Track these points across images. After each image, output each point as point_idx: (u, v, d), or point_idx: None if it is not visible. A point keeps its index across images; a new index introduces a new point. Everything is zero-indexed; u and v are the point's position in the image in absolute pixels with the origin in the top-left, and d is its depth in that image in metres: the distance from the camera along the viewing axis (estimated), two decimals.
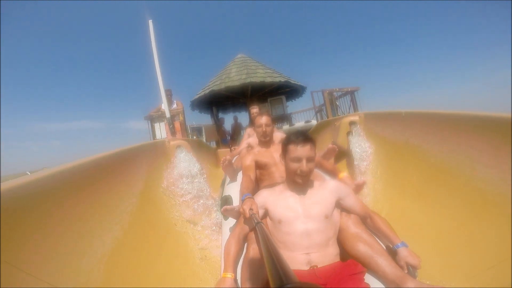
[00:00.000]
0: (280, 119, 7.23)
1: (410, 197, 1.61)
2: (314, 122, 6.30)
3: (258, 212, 1.14)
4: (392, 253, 1.10)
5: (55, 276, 0.80)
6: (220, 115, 8.87)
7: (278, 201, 1.22)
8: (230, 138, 7.44)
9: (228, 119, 8.88)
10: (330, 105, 4.47)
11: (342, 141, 2.40)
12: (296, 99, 8.41)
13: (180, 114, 4.20)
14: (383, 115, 2.05)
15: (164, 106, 3.73)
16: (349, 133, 2.34)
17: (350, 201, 1.25)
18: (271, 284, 0.43)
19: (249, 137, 2.76)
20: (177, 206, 1.81)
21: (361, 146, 2.13)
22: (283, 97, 7.32)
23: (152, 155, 1.88)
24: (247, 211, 1.11)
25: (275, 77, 6.75)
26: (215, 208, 1.96)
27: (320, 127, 3.52)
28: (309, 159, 1.17)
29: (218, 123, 7.69)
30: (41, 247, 0.81)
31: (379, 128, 2.05)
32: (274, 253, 0.53)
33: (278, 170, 1.66)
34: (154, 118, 4.41)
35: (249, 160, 1.72)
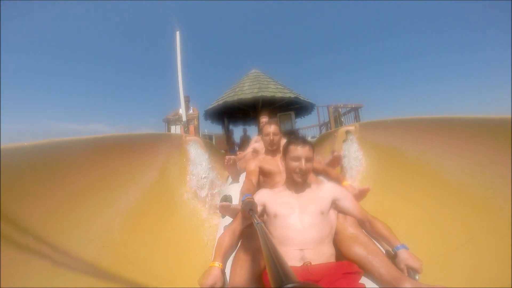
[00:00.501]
0: (288, 134, 7.54)
1: (392, 193, 1.83)
2: None
3: (258, 211, 1.16)
4: (392, 256, 1.09)
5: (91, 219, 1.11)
6: (230, 126, 9.29)
7: (275, 198, 1.28)
8: (238, 148, 7.78)
9: (237, 131, 9.29)
10: (334, 120, 4.76)
11: (338, 148, 2.67)
12: (305, 116, 8.76)
13: (196, 119, 4.59)
14: (374, 124, 2.32)
15: (182, 110, 4.12)
16: (344, 141, 2.60)
17: (347, 203, 1.29)
18: (271, 284, 0.43)
19: (256, 143, 2.84)
20: (188, 190, 2.10)
21: (354, 151, 2.38)
22: (292, 113, 7.63)
23: (171, 144, 2.21)
24: (247, 211, 1.11)
25: (285, 93, 7.15)
26: (218, 198, 2.23)
27: (322, 138, 3.79)
28: (308, 159, 1.24)
29: (228, 134, 8.07)
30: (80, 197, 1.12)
31: (370, 135, 2.32)
32: (274, 253, 0.53)
33: (282, 180, 1.63)
34: (171, 121, 4.82)
35: (253, 166, 1.76)
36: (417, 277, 1.01)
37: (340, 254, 1.15)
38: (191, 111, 4.89)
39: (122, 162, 1.42)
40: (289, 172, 1.29)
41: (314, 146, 1.30)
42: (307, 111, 8.38)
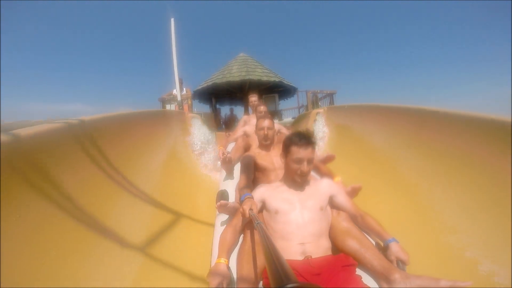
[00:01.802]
0: (272, 114, 8.19)
1: (345, 158, 2.54)
2: None
3: (257, 211, 1.18)
4: (383, 248, 1.17)
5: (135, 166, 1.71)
6: (217, 106, 9.78)
7: (275, 194, 1.29)
8: (225, 126, 8.34)
9: (224, 111, 9.81)
10: (312, 104, 5.45)
11: (310, 126, 3.37)
12: (288, 98, 9.39)
13: (189, 99, 5.10)
14: (336, 108, 3.02)
15: (177, 91, 4.60)
16: (315, 120, 3.30)
17: (341, 199, 1.32)
18: (271, 284, 0.44)
19: (245, 124, 2.90)
20: (194, 155, 2.73)
21: (322, 128, 3.09)
22: (276, 96, 8.23)
23: (178, 118, 2.79)
24: (247, 211, 1.12)
25: (271, 76, 7.70)
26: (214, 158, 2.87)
27: (299, 118, 4.50)
28: (310, 161, 1.23)
29: (216, 113, 8.58)
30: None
31: (333, 117, 3.02)
32: (274, 253, 0.54)
33: (277, 177, 1.64)
34: (165, 100, 5.29)
35: (247, 161, 1.78)
36: (405, 268, 1.09)
37: (335, 247, 1.21)
38: (184, 92, 5.37)
39: (154, 129, 2.02)
40: (290, 172, 1.29)
41: (315, 144, 1.27)
42: (290, 94, 9.01)
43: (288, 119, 8.06)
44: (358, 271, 1.06)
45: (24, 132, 0.91)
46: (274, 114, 8.25)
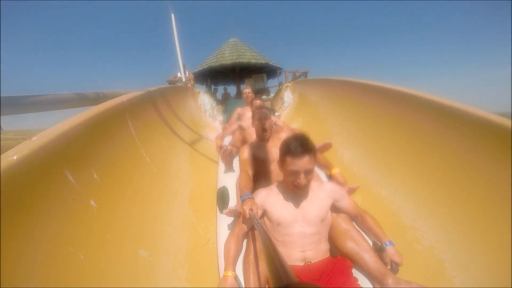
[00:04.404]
0: (261, 91, 9.54)
1: (303, 116, 3.80)
2: None
3: (258, 212, 1.19)
4: (379, 250, 1.22)
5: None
6: (213, 86, 11.03)
7: (276, 202, 1.26)
8: (221, 99, 9.65)
9: (220, 91, 11.13)
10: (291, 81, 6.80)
11: (282, 96, 4.76)
12: (274, 78, 10.67)
13: (191, 80, 6.39)
14: (299, 81, 4.38)
15: (181, 74, 5.92)
16: (285, 91, 4.69)
17: (343, 203, 1.32)
18: (271, 284, 0.44)
19: (240, 117, 3.05)
20: (205, 117, 4.09)
21: (288, 96, 4.48)
22: (265, 75, 9.47)
23: (191, 92, 4.16)
24: (247, 212, 1.13)
25: (258, 59, 8.92)
26: (220, 118, 4.24)
27: (276, 92, 5.93)
28: (308, 172, 1.14)
29: (212, 92, 9.87)
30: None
31: (297, 88, 4.38)
32: (274, 253, 0.55)
33: (276, 169, 1.61)
34: (172, 81, 6.60)
35: (246, 154, 1.73)
36: (398, 269, 1.16)
37: (334, 247, 1.25)
38: (187, 75, 6.66)
39: (182, 97, 3.38)
40: (287, 182, 1.22)
41: (314, 151, 1.17)
42: (275, 74, 10.29)
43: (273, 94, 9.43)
44: (355, 272, 1.14)
45: (120, 99, 1.38)
46: (263, 91, 9.56)
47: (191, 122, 3.04)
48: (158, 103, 2.12)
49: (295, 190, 1.20)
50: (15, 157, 0.68)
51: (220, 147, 2.10)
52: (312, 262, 1.14)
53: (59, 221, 0.78)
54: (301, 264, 1.14)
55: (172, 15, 5.81)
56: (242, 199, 1.33)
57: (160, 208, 1.38)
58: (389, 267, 1.13)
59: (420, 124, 1.49)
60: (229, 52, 8.94)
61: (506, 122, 1.04)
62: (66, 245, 0.77)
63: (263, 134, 1.85)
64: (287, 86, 4.67)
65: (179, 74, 6.27)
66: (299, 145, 1.13)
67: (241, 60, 8.54)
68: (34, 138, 0.78)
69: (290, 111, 4.23)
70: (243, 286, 1.12)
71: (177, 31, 5.82)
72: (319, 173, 1.95)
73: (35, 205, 0.72)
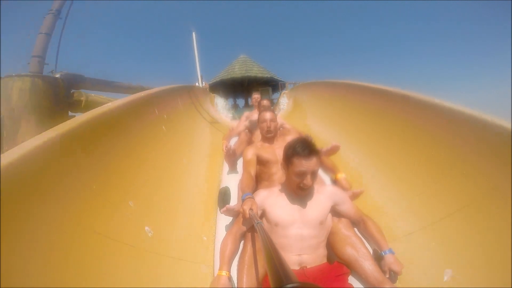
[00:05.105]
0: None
1: (298, 117, 4.62)
2: None
3: (257, 212, 1.18)
4: (378, 257, 1.19)
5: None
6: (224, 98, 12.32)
7: (276, 203, 1.26)
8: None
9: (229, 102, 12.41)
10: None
11: (281, 102, 5.85)
12: (278, 91, 11.82)
13: (207, 89, 7.65)
14: (294, 88, 5.48)
15: (199, 84, 7.19)
16: (282, 97, 5.81)
17: (345, 207, 1.31)
18: (271, 284, 0.44)
19: (247, 120, 2.96)
20: (219, 115, 5.15)
21: (284, 101, 5.57)
22: (270, 88, 10.61)
23: (207, 95, 5.32)
24: (247, 211, 1.13)
25: (264, 74, 10.11)
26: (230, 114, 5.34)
27: (277, 101, 7.07)
28: (314, 174, 1.16)
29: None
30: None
31: (293, 93, 5.46)
32: (274, 253, 0.54)
33: (279, 171, 1.63)
34: None
35: (250, 154, 1.73)
36: (396, 278, 1.13)
37: (332, 253, 1.23)
38: (204, 84, 7.94)
39: (203, 95, 4.51)
40: (291, 184, 1.23)
41: (320, 154, 1.21)
42: (279, 87, 11.46)
43: None
44: (351, 279, 1.12)
45: (127, 99, 1.65)
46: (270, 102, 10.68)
47: (209, 118, 3.75)
48: (185, 97, 3.10)
49: (299, 192, 1.21)
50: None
51: (225, 147, 2.13)
52: (308, 267, 1.14)
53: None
54: (297, 268, 1.14)
55: (194, 33, 7.07)
56: (242, 198, 1.33)
57: (169, 195, 1.61)
58: (387, 276, 1.11)
59: (424, 125, 1.57)
60: (239, 67, 10.19)
61: (505, 124, 1.09)
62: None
63: (268, 134, 1.86)
64: (284, 94, 5.81)
65: (196, 83, 7.54)
66: (307, 147, 1.15)
67: (249, 74, 9.74)
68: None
69: (284, 113, 5.26)
70: (236, 287, 1.12)
71: (197, 47, 7.01)
72: (323, 176, 1.95)
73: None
